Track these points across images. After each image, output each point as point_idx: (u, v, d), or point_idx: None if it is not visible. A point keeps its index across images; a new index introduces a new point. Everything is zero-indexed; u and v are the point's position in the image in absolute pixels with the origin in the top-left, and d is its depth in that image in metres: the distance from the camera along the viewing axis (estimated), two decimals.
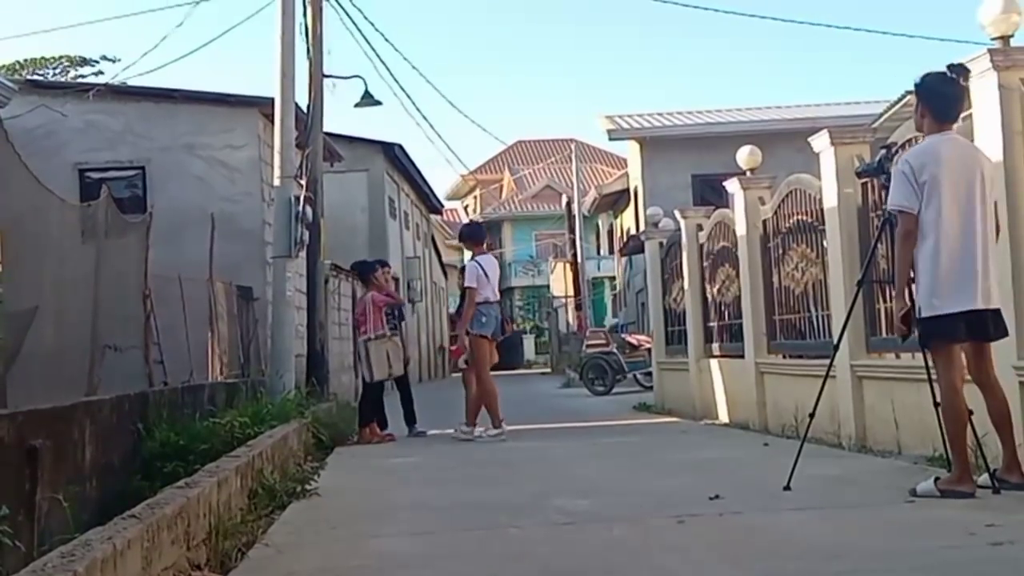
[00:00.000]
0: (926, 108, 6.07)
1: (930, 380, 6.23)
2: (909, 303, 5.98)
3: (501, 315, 12.02)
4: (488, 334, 11.72)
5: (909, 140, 7.46)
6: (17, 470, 6.46)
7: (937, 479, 5.94)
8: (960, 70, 6.15)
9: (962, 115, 6.31)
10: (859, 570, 4.40)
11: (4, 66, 28.80)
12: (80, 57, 32.01)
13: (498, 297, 12.11)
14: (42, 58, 31.66)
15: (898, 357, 8.40)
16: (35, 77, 27.02)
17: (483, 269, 11.77)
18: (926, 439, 7.06)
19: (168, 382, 11.49)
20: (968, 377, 5.99)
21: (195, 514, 5.06)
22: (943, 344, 5.90)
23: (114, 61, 31.66)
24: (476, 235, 12.51)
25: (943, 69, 6.12)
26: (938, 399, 6.04)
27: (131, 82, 18.25)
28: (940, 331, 5.85)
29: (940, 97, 6.07)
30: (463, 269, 12.84)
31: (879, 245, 7.38)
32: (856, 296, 7.29)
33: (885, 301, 8.34)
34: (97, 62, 31.79)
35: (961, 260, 5.80)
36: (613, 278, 43.36)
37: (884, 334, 8.41)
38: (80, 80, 28.74)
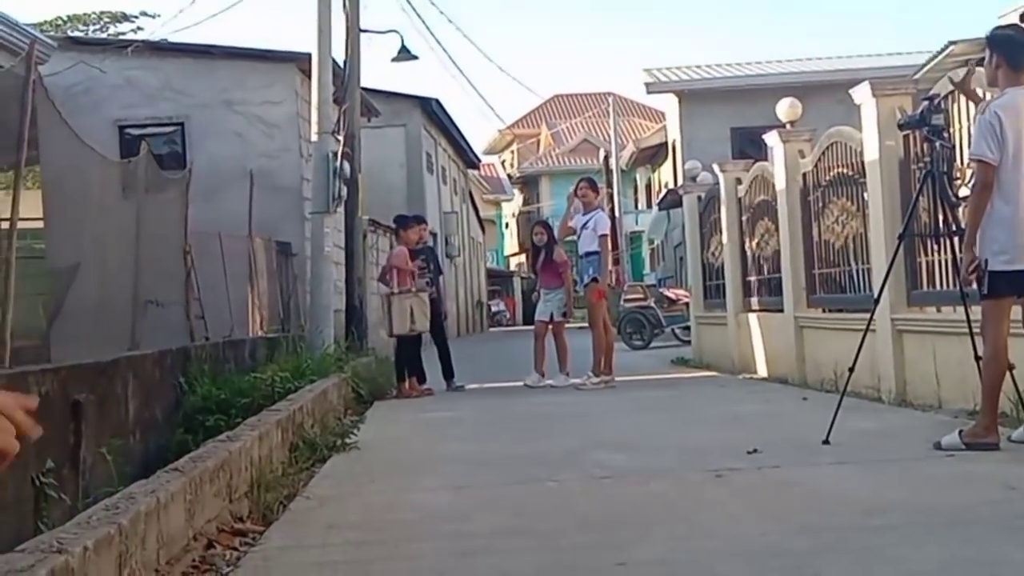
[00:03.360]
0: (1000, 59, 5.95)
1: (971, 333, 6.19)
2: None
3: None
4: (611, 284, 12.52)
5: (952, 91, 7.35)
6: (61, 424, 6.55)
7: (961, 431, 5.93)
8: None
9: None
10: (898, 524, 4.39)
11: (45, 22, 28.91)
12: (120, 13, 32.08)
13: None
14: (82, 14, 31.77)
15: (939, 311, 8.34)
16: (75, 34, 27.08)
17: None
18: (967, 393, 7.02)
19: (209, 337, 11.59)
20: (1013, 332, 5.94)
21: (237, 467, 5.12)
22: (1004, 298, 5.84)
23: (153, 17, 31.81)
24: (596, 187, 12.79)
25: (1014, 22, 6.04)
26: (979, 353, 6.00)
27: (169, 38, 18.28)
28: (1008, 285, 5.78)
29: (1013, 44, 5.96)
30: (542, 223, 13.25)
31: (920, 198, 7.30)
32: (897, 249, 7.22)
33: (926, 255, 8.27)
34: (136, 18, 31.85)
35: None
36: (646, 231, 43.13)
37: (925, 287, 8.35)
38: (119, 36, 28.81)
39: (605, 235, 12.08)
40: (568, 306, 12.72)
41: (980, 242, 5.85)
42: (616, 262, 40.20)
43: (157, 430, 8.74)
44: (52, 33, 23.28)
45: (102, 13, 31.98)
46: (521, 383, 12.47)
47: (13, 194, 7.21)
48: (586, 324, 12.69)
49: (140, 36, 22.83)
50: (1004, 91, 5.89)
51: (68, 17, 31.17)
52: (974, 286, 6.02)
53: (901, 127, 8.02)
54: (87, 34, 29.68)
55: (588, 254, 12.15)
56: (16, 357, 6.95)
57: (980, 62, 6.54)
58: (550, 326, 12.63)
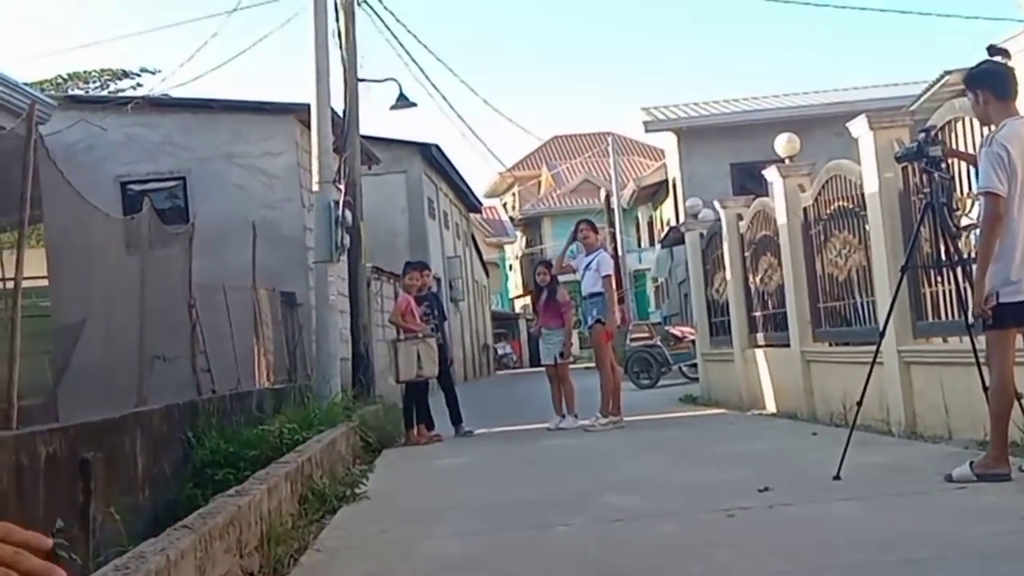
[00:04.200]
0: (986, 94, 5.98)
1: (978, 364, 6.17)
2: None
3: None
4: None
5: (948, 122, 7.38)
6: (70, 483, 6.53)
7: (972, 463, 5.90)
8: (999, 51, 6.09)
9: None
10: (912, 559, 4.36)
11: (47, 80, 29.11)
12: (121, 70, 32.30)
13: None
14: (84, 72, 31.95)
15: (945, 341, 8.33)
16: (76, 92, 27.28)
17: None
18: (976, 423, 6.99)
19: (216, 390, 11.58)
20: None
21: (247, 522, 5.10)
22: (1008, 328, 5.82)
23: (153, 73, 31.90)
24: (596, 228, 12.84)
25: (983, 57, 6.07)
26: (987, 383, 5.98)
27: (170, 94, 18.42)
28: (1013, 316, 5.77)
29: (993, 76, 6.00)
30: (546, 263, 13.29)
31: (922, 229, 7.31)
32: (901, 281, 7.21)
33: (930, 285, 8.27)
34: (138, 75, 32.05)
35: None
36: (650, 270, 43.15)
37: (930, 318, 8.34)
38: (121, 93, 28.97)
39: (609, 275, 12.10)
40: (567, 347, 12.71)
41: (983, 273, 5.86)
42: (621, 301, 40.27)
43: (166, 485, 8.71)
44: (53, 92, 23.45)
45: (103, 71, 32.20)
46: (529, 426, 12.45)
47: (17, 253, 7.23)
48: (593, 364, 12.67)
49: (140, 92, 22.96)
50: (1003, 123, 5.90)
51: (69, 75, 31.38)
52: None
53: (899, 159, 8.05)
54: (88, 92, 29.87)
55: (592, 295, 12.17)
56: (23, 416, 6.94)
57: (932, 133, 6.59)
58: (558, 368, 12.63)
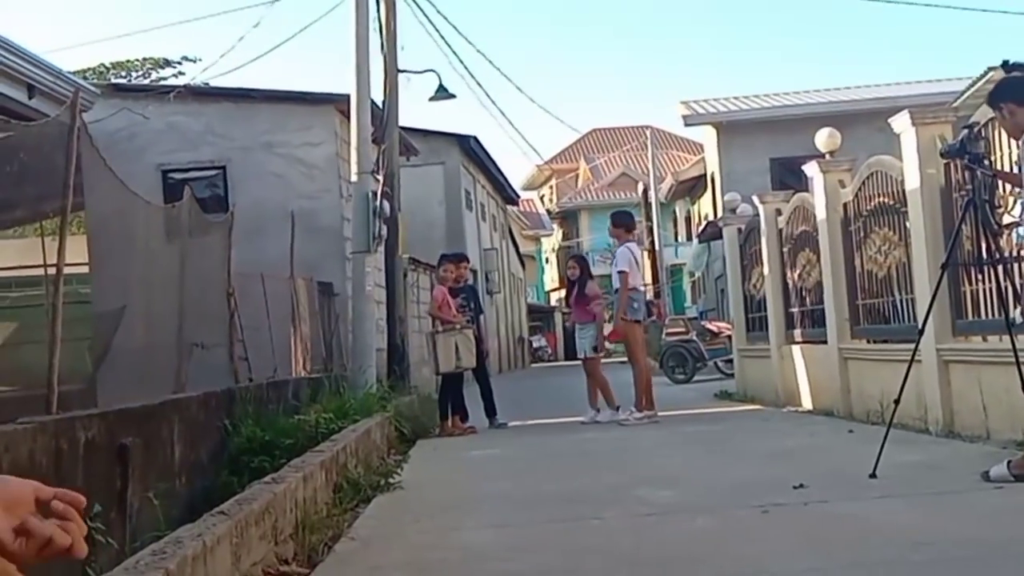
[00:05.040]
0: (1010, 105, 5.96)
1: (1018, 363, 6.12)
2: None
3: (646, 300, 12.63)
4: (640, 319, 12.29)
5: (992, 119, 7.30)
6: (108, 468, 6.60)
7: (1010, 462, 5.85)
8: (1014, 66, 6.10)
9: None
10: (947, 558, 4.33)
11: (90, 69, 29.33)
12: (163, 59, 32.51)
13: (644, 283, 12.71)
14: (126, 61, 32.17)
15: (985, 340, 8.25)
16: (118, 80, 27.47)
17: (634, 256, 12.18)
18: (1015, 423, 6.93)
19: (253, 378, 11.65)
20: None
21: (282, 509, 5.14)
22: None
23: (195, 61, 32.08)
24: (626, 222, 12.65)
25: (1000, 75, 6.07)
26: None
27: (210, 83, 18.54)
28: None
29: (1013, 88, 6.01)
30: (576, 257, 13.32)
31: (963, 226, 7.25)
32: (941, 279, 7.15)
33: (970, 283, 8.19)
34: (179, 63, 32.25)
35: None
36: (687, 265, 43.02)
37: (970, 317, 8.26)
38: (162, 81, 29.17)
39: (622, 271, 11.98)
40: (599, 340, 12.67)
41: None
42: (657, 295, 40.22)
43: (202, 472, 8.78)
44: (96, 80, 23.64)
45: (145, 59, 32.41)
46: (563, 420, 12.45)
47: (59, 240, 7.31)
48: (625, 359, 12.64)
49: (182, 81, 23.13)
50: None
51: (112, 64, 31.60)
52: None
53: (943, 155, 7.97)
54: (130, 80, 30.08)
55: (616, 291, 12.20)
56: (63, 402, 7.01)
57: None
58: (588, 362, 12.62)
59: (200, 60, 33.36)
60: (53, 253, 7.55)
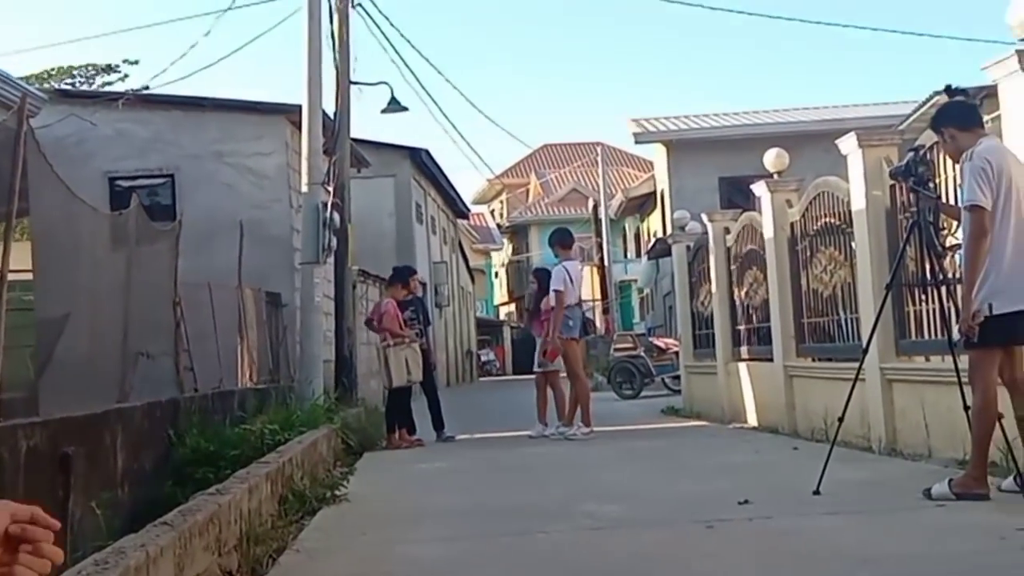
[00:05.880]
0: (950, 129, 6.07)
1: (960, 383, 6.20)
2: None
3: (583, 317, 12.69)
4: (576, 336, 12.27)
5: (937, 143, 7.42)
6: (50, 477, 6.52)
7: (951, 481, 5.92)
8: (956, 91, 6.22)
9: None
10: (889, 575, 4.38)
11: (33, 75, 29.00)
12: (105, 64, 32.24)
13: (579, 300, 12.73)
14: (68, 67, 31.86)
15: (928, 360, 8.36)
16: (64, 87, 27.17)
17: (569, 274, 12.14)
18: (956, 443, 7.02)
19: (199, 388, 11.55)
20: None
21: (226, 520, 5.09)
22: (998, 344, 5.83)
23: (135, 63, 31.91)
24: (565, 240, 12.59)
25: (944, 99, 6.20)
26: (968, 402, 6.00)
27: (159, 91, 18.37)
28: (1004, 330, 5.77)
29: (953, 112, 6.13)
30: (537, 271, 13.39)
31: (907, 247, 7.35)
32: (885, 299, 7.25)
33: (914, 304, 8.30)
34: (119, 68, 32.01)
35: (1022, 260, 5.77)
36: (636, 281, 43.24)
37: (914, 337, 8.37)
38: (107, 87, 28.92)
39: (557, 290, 11.97)
40: (539, 356, 12.56)
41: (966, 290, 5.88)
42: (606, 311, 40.39)
43: (146, 483, 8.69)
44: (42, 86, 23.36)
45: (88, 65, 32.12)
46: (511, 433, 12.44)
47: (3, 246, 7.21)
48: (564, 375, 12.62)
49: (127, 85, 22.93)
50: (979, 140, 5.93)
51: (55, 70, 31.26)
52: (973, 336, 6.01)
53: (892, 176, 8.08)
54: (74, 86, 29.79)
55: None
56: (5, 409, 6.92)
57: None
58: (547, 376, 12.61)
59: (138, 62, 33.11)
60: None
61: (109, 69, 32.17)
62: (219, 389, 12.22)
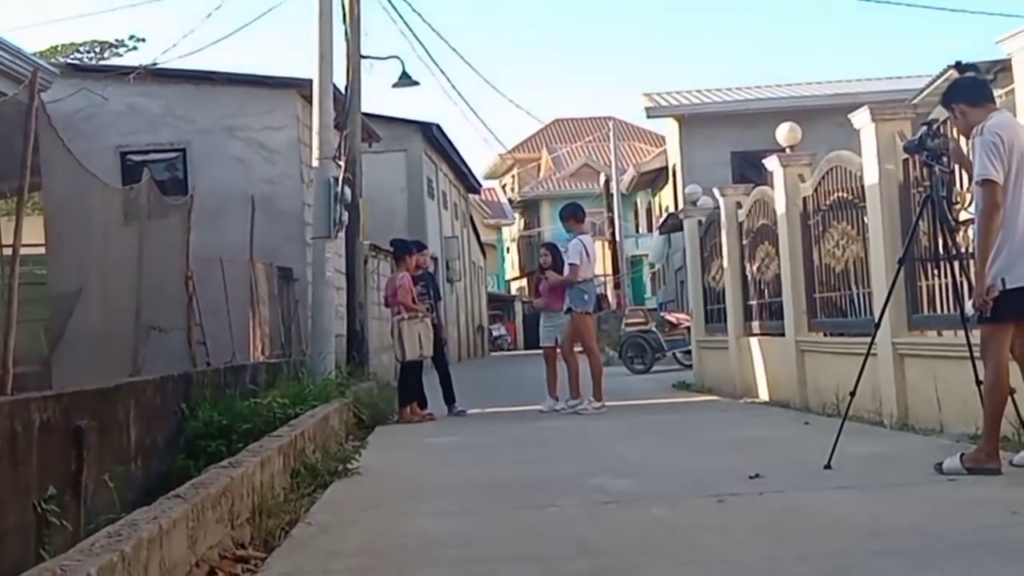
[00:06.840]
0: (963, 107, 6.03)
1: (972, 358, 6.19)
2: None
3: (597, 292, 12.69)
4: (591, 310, 12.36)
5: (949, 118, 7.38)
6: (63, 451, 6.55)
7: (963, 455, 5.92)
8: (967, 67, 6.16)
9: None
10: (900, 549, 4.38)
11: (39, 52, 29.02)
12: (113, 39, 32.25)
13: (594, 275, 12.84)
14: (72, 43, 31.84)
15: (940, 335, 8.35)
16: (74, 62, 27.17)
17: (585, 248, 12.18)
18: (968, 417, 7.01)
19: (211, 363, 11.59)
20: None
21: (239, 493, 5.12)
22: (1011, 319, 5.81)
23: (143, 40, 31.87)
24: (577, 214, 12.61)
25: (954, 76, 6.16)
26: (980, 377, 6.00)
27: (170, 65, 18.34)
28: (1017, 305, 5.73)
29: (964, 88, 6.08)
30: (548, 244, 13.51)
31: (920, 222, 7.32)
32: (897, 274, 7.22)
33: (927, 279, 8.28)
34: (126, 44, 32.01)
35: None
36: (647, 256, 43.17)
37: (926, 311, 8.35)
38: (113, 63, 28.93)
39: (573, 264, 12.05)
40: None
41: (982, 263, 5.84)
42: (617, 286, 40.37)
43: (159, 456, 8.73)
44: (52, 61, 23.34)
45: (94, 41, 32.10)
46: (522, 408, 12.46)
47: (16, 220, 7.23)
48: (580, 349, 12.63)
49: (136, 62, 22.91)
50: (989, 115, 5.90)
51: (61, 46, 31.23)
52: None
53: (905, 150, 8.03)
54: (83, 62, 29.79)
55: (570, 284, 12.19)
56: (18, 383, 6.95)
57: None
58: (558, 350, 12.63)
59: (144, 40, 33.08)
60: (9, 233, 7.47)
61: (117, 44, 32.15)
62: (231, 363, 12.26)
